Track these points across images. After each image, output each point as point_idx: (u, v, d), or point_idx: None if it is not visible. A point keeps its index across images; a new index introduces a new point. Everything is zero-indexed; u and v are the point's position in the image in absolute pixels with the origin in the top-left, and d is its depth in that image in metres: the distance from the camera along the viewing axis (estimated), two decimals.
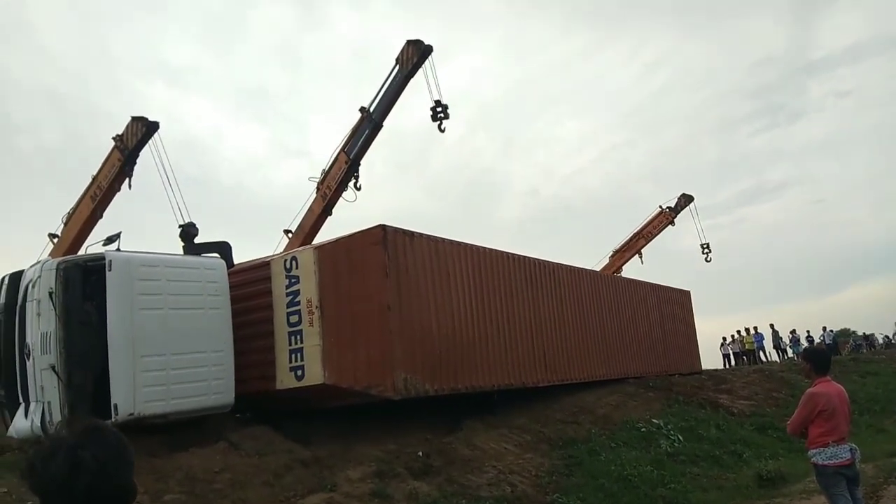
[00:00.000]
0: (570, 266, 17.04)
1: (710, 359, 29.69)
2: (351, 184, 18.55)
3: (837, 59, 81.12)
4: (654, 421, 14.32)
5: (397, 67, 17.64)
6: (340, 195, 18.72)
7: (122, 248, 9.61)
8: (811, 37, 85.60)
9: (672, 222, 28.86)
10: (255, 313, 11.02)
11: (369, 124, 18.02)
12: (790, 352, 31.36)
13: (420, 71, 17.53)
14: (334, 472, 9.13)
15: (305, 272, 10.74)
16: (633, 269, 27.85)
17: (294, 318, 10.74)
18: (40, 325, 9.16)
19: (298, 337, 10.66)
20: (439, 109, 17.52)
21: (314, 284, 10.61)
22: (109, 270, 9.21)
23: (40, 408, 8.95)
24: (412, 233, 11.61)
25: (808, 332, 32.62)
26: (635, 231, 29.10)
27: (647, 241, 28.94)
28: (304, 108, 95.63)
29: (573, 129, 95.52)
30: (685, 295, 23.77)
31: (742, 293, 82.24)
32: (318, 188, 18.88)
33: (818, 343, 30.40)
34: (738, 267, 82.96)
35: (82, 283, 9.45)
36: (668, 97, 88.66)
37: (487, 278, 13.13)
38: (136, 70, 70.06)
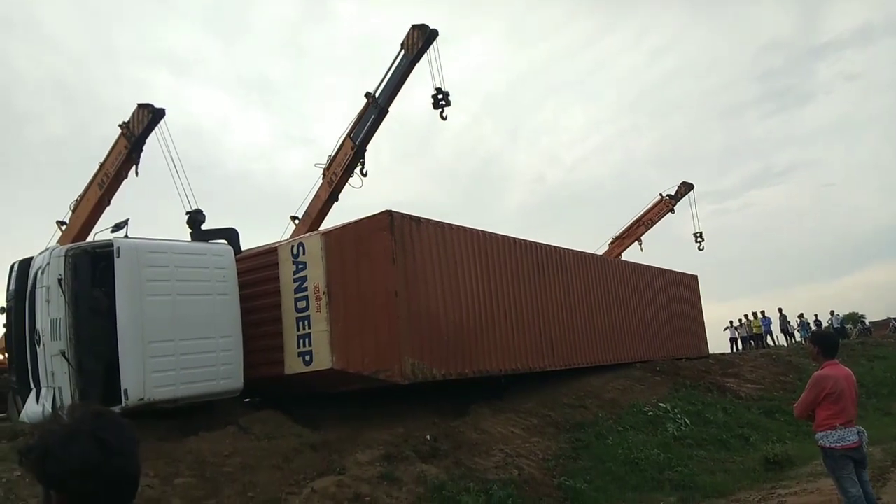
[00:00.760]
0: (578, 251, 17.02)
1: (718, 343, 29.80)
2: (357, 170, 18.55)
3: (846, 41, 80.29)
4: (661, 405, 14.35)
5: (403, 52, 17.57)
6: (347, 181, 18.72)
7: (129, 235, 9.65)
8: (819, 19, 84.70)
9: (672, 210, 29.14)
10: (263, 299, 11.07)
11: (375, 110, 17.99)
12: (798, 336, 31.27)
13: (424, 57, 17.47)
14: (343, 455, 9.20)
15: (312, 258, 10.77)
16: (632, 257, 27.89)
17: (302, 304, 10.78)
18: (50, 311, 9.24)
19: (306, 322, 10.71)
20: (440, 97, 17.49)
21: (321, 270, 10.63)
22: (118, 257, 9.25)
23: (51, 393, 9.04)
24: (419, 218, 11.60)
25: (815, 315, 32.52)
26: (635, 218, 29.42)
27: (647, 229, 29.24)
28: (309, 97, 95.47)
29: (579, 115, 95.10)
30: (692, 279, 23.72)
31: (750, 278, 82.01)
32: (324, 174, 18.88)
33: (826, 327, 30.30)
34: (746, 251, 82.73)
35: (91, 269, 9.51)
36: (674, 82, 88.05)
37: (494, 264, 13.13)
38: (141, 59, 70.00)
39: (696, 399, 15.37)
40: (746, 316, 32.00)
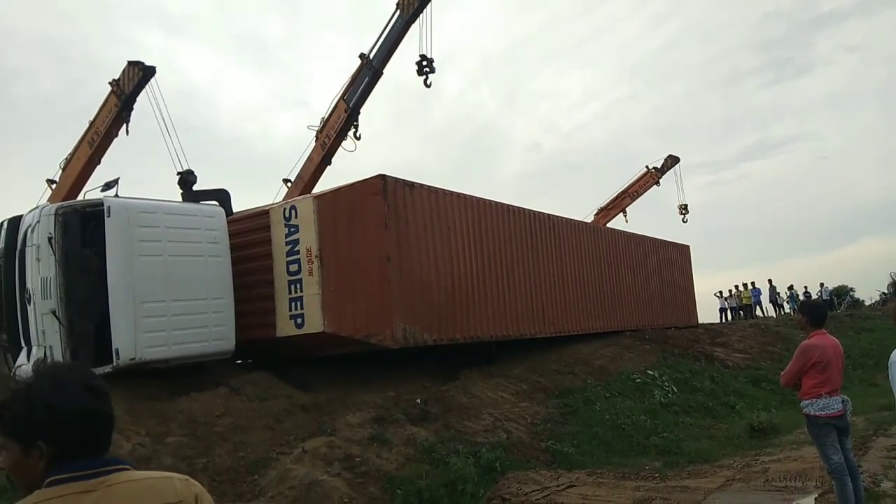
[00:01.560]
0: (570, 219, 17.03)
1: (709, 313, 30.14)
2: (350, 133, 18.36)
3: (847, 12, 79.23)
4: (649, 372, 14.52)
5: (398, 12, 17.26)
6: (340, 144, 18.56)
7: (120, 195, 9.57)
8: None
9: (658, 182, 29.59)
10: (255, 262, 11.05)
11: (369, 72, 17.73)
12: (787, 307, 31.58)
13: (417, 22, 17.18)
14: (334, 417, 9.28)
15: (305, 221, 10.72)
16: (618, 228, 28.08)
17: (294, 268, 10.77)
18: (40, 270, 9.19)
19: (298, 286, 10.71)
20: (425, 64, 17.28)
21: (314, 234, 10.60)
22: (108, 216, 9.18)
23: (42, 352, 9.05)
24: (412, 183, 11.53)
25: (805, 287, 32.79)
26: (621, 190, 29.81)
27: (633, 200, 29.69)
28: (303, 58, 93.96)
29: (577, 82, 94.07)
30: (684, 249, 23.83)
31: (743, 249, 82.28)
32: (317, 137, 18.69)
33: (815, 299, 30.58)
34: (739, 223, 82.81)
35: (81, 228, 9.44)
36: (674, 50, 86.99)
37: (487, 230, 13.12)
38: (134, 17, 68.50)
39: (684, 367, 15.56)
40: (737, 286, 32.32)
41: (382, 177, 10.89)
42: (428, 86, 17.53)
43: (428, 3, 16.97)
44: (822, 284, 33.69)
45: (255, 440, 8.50)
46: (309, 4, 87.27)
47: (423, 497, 7.41)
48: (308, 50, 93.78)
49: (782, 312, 31.34)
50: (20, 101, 64.70)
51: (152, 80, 17.02)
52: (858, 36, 78.70)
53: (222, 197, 11.78)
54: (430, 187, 11.93)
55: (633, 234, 20.65)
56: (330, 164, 18.88)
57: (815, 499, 6.82)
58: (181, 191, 13.56)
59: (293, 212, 10.89)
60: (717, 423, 12.24)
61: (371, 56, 17.64)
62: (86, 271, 9.28)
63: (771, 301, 32.02)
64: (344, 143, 18.54)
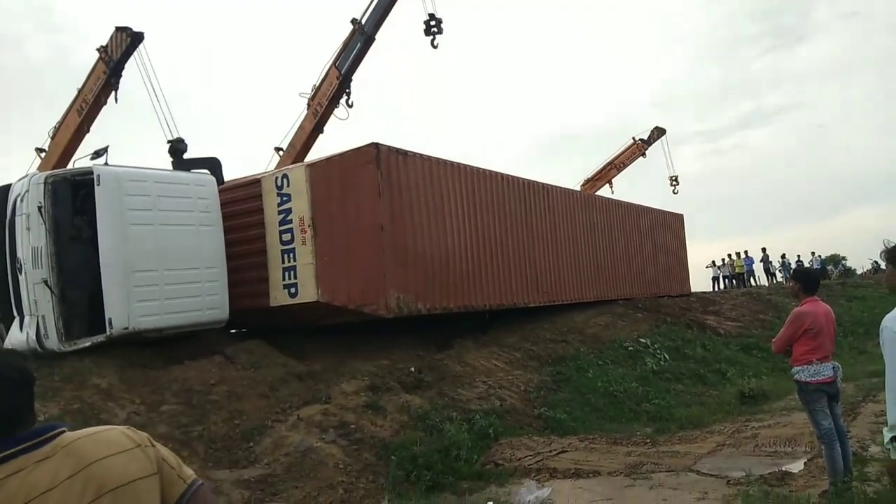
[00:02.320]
0: (564, 188, 17.00)
1: (702, 282, 30.36)
2: (343, 100, 18.16)
3: None
4: (642, 340, 14.63)
5: None
6: (332, 112, 18.36)
7: (109, 163, 9.44)
8: None
9: (644, 154, 29.96)
10: (248, 231, 10.97)
11: (361, 37, 17.46)
12: (779, 276, 31.76)
13: None
14: (329, 385, 9.32)
15: (297, 190, 10.63)
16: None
17: (287, 237, 10.71)
18: (31, 239, 9.09)
19: (291, 255, 10.66)
20: (433, 23, 16.95)
21: (306, 202, 10.52)
22: (98, 185, 9.07)
23: (34, 321, 9.00)
24: (406, 152, 11.44)
25: (798, 256, 32.96)
26: (608, 161, 30.07)
27: (619, 171, 30.10)
28: (294, 24, 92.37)
29: (575, 51, 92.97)
30: (678, 218, 23.84)
31: (738, 218, 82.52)
32: (308, 104, 18.47)
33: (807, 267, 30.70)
34: (735, 192, 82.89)
35: (71, 197, 9.33)
36: (676, 15, 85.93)
37: (481, 199, 13.07)
38: None
39: (676, 335, 15.67)
40: (730, 255, 32.46)
41: (375, 145, 10.79)
42: (435, 47, 17.24)
43: None
44: (813, 253, 33.90)
45: (250, 408, 8.54)
46: None
47: (417, 463, 7.49)
48: (299, 13, 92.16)
49: (774, 281, 31.54)
50: (8, 68, 63.53)
51: (140, 46, 16.75)
52: (857, 2, 77.92)
53: (213, 165, 11.62)
54: (423, 156, 11.84)
55: (626, 202, 20.62)
56: (322, 132, 18.72)
57: (805, 463, 6.92)
58: (171, 159, 13.40)
59: (285, 180, 10.79)
60: (709, 390, 12.37)
61: (363, 21, 17.35)
62: (77, 240, 9.21)
63: (764, 270, 32.19)
64: (336, 111, 18.35)
